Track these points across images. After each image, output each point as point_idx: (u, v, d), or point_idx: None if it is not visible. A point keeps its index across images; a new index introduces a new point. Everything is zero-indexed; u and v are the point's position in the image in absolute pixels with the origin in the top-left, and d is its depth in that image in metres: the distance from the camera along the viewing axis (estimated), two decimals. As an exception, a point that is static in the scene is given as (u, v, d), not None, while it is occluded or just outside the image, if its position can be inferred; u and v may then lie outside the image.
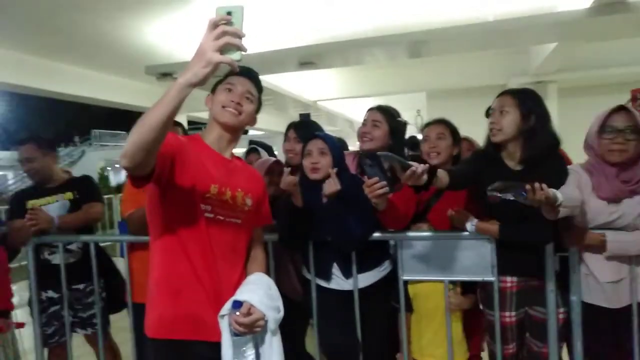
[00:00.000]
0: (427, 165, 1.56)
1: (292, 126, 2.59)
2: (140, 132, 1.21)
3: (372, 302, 2.08)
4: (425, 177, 1.55)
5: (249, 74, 1.65)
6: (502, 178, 1.73)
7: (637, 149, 1.78)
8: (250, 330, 1.43)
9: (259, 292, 1.49)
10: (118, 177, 21.53)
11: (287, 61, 6.22)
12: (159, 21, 5.30)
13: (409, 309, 2.13)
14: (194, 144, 1.58)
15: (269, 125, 12.31)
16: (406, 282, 2.09)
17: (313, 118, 6.11)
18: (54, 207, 2.63)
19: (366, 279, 2.09)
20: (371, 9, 5.29)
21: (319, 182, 2.03)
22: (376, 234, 2.04)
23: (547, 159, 1.85)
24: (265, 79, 7.45)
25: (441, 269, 2.03)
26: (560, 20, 5.08)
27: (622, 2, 4.57)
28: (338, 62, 6.87)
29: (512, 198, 1.57)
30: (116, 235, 2.56)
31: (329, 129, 3.22)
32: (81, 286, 2.65)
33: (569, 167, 1.91)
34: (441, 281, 2.03)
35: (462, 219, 1.96)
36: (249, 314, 1.42)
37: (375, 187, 1.64)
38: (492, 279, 1.95)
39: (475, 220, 1.92)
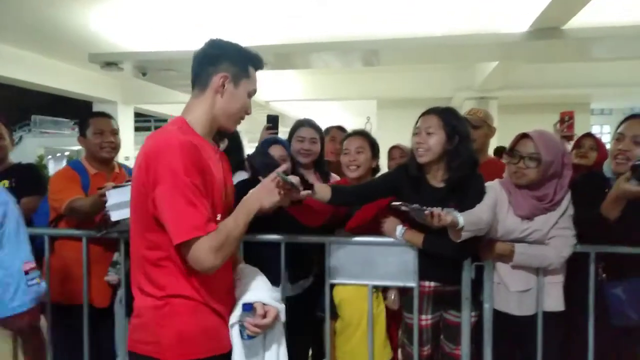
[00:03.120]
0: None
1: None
2: (231, 250, 1.39)
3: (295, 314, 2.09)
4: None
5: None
6: (425, 196, 1.84)
7: (538, 174, 1.91)
8: (268, 327, 1.42)
9: (263, 287, 1.48)
10: (58, 166, 20.55)
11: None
12: (104, 8, 5.13)
13: (334, 315, 2.18)
14: (196, 139, 1.40)
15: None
16: (331, 289, 2.14)
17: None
18: None
19: (294, 289, 2.17)
20: (327, 15, 5.36)
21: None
22: (303, 237, 2.09)
23: (467, 179, 1.95)
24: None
25: (366, 274, 2.09)
26: (502, 41, 5.37)
27: (557, 28, 4.88)
28: (293, 65, 6.91)
29: (412, 215, 1.71)
30: (43, 228, 2.45)
31: (282, 130, 3.23)
32: None
33: (488, 184, 2.02)
34: (365, 285, 2.10)
35: (390, 227, 2.03)
36: (265, 314, 1.40)
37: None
38: (413, 284, 2.04)
39: (404, 228, 2.00)
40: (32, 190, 2.55)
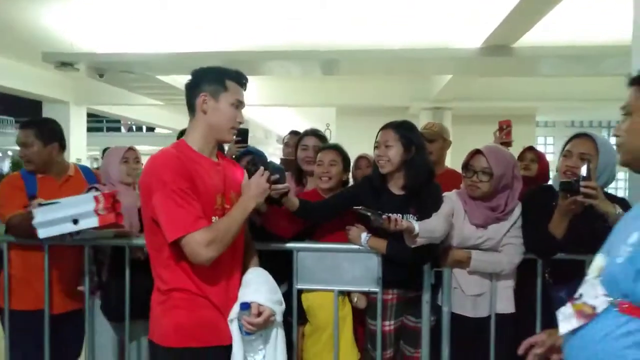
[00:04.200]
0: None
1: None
2: (226, 243, 1.54)
3: None
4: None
5: (245, 84, 1.70)
6: (387, 203, 2.01)
7: (491, 187, 2.07)
8: (263, 327, 1.54)
9: (262, 289, 1.59)
10: (1, 166, 19.46)
11: (200, 64, 6.15)
12: (59, 6, 4.98)
13: (303, 320, 2.25)
14: (187, 157, 1.58)
15: (179, 124, 11.97)
16: (300, 295, 2.22)
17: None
18: None
19: None
20: (288, 23, 5.45)
21: None
22: (274, 244, 2.15)
23: (425, 187, 2.10)
24: (178, 79, 7.29)
25: (332, 279, 2.18)
26: (455, 56, 5.65)
27: (507, 46, 5.20)
28: (253, 71, 6.93)
29: (372, 219, 1.87)
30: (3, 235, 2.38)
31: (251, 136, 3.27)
32: None
33: (445, 194, 2.17)
34: (331, 291, 2.19)
35: (355, 234, 2.13)
36: (259, 313, 1.52)
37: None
38: (376, 290, 2.15)
39: (369, 235, 2.10)
40: None
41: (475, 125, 8.74)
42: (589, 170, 1.80)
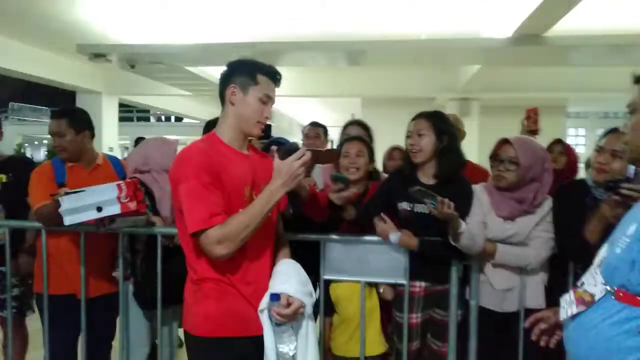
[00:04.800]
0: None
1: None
2: (241, 239, 1.51)
3: None
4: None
5: (279, 81, 1.68)
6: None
7: (518, 177, 2.06)
8: (292, 318, 1.55)
9: (292, 281, 1.60)
10: (37, 154, 20.12)
11: (228, 55, 6.21)
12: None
13: (331, 311, 2.29)
14: (216, 148, 1.61)
15: (208, 115, 12.13)
16: (327, 286, 2.25)
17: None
18: None
19: None
20: (315, 13, 5.44)
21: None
22: (300, 235, 2.18)
23: (455, 180, 2.10)
24: (206, 70, 7.37)
25: (359, 270, 2.20)
26: (484, 46, 5.54)
27: (538, 35, 5.07)
28: (280, 62, 6.95)
29: (424, 205, 1.84)
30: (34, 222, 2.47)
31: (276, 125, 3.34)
32: (3, 269, 2.57)
33: (472, 187, 2.16)
34: (358, 282, 2.21)
35: (386, 230, 2.10)
36: (288, 304, 1.53)
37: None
38: (404, 281, 2.16)
39: (399, 233, 2.08)
40: None
41: (503, 116, 8.54)
42: (637, 173, 1.69)
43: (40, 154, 19.62)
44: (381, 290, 2.27)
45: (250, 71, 1.62)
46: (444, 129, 2.08)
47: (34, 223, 2.39)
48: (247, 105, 1.61)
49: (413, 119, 2.14)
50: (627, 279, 1.06)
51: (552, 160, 3.04)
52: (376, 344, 2.25)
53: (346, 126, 2.76)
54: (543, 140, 3.00)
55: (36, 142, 21.99)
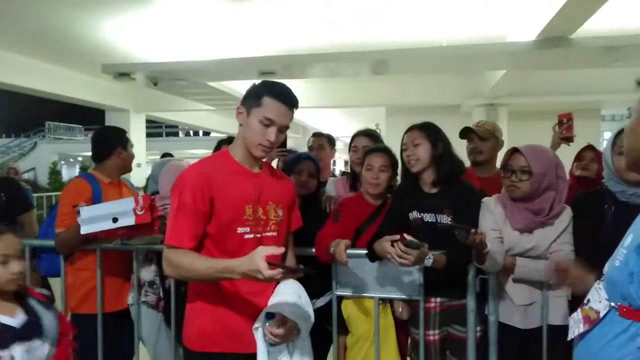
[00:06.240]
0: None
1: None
2: (184, 276, 1.61)
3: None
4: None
5: (290, 102, 1.62)
6: (421, 201, 2.02)
7: (532, 187, 1.95)
8: (285, 339, 1.52)
9: (290, 301, 1.57)
10: (71, 172, 20.82)
11: (250, 69, 6.25)
12: (117, 19, 5.26)
13: (344, 329, 2.21)
14: (222, 164, 1.65)
15: (231, 128, 12.29)
16: (340, 304, 2.18)
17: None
18: None
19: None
20: (335, 26, 5.44)
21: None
22: (313, 250, 2.13)
23: (457, 184, 2.07)
24: (228, 85, 7.46)
25: (372, 286, 2.13)
26: (508, 50, 5.40)
27: (564, 37, 4.90)
28: (301, 74, 6.98)
29: (456, 233, 1.76)
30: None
31: (291, 136, 3.27)
32: None
33: (484, 201, 2.09)
34: (372, 298, 2.14)
35: (422, 257, 1.86)
36: (283, 324, 1.50)
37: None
38: (419, 298, 2.08)
39: (431, 255, 1.88)
40: (24, 205, 2.76)
41: (533, 121, 8.32)
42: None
43: (75, 171, 20.29)
44: (399, 310, 2.18)
45: (257, 93, 1.61)
46: (437, 137, 2.09)
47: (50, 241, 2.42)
48: (248, 127, 1.61)
49: (406, 132, 2.15)
50: (627, 292, 1.02)
51: (583, 168, 2.87)
52: (393, 364, 2.16)
53: (354, 137, 2.68)
54: (577, 145, 2.84)
55: (71, 160, 22.76)
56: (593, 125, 9.79)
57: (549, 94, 8.23)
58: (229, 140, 2.49)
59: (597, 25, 4.64)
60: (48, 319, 1.62)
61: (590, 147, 3.04)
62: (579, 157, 2.93)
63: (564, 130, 2.70)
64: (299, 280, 1.73)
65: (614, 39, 5.09)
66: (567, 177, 2.54)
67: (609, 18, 4.54)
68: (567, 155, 2.86)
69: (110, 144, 2.58)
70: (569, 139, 2.68)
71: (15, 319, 1.57)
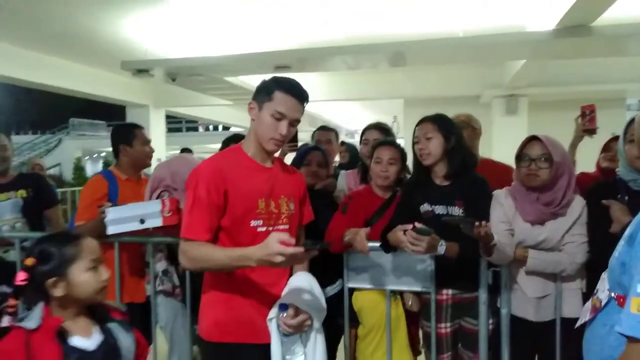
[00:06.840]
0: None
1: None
2: (202, 267, 1.65)
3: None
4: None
5: (301, 96, 1.65)
6: (433, 193, 2.00)
7: (550, 175, 1.93)
8: (299, 330, 1.56)
9: (303, 293, 1.62)
10: (95, 167, 21.27)
11: (266, 63, 6.27)
12: (135, 16, 5.33)
13: (355, 321, 2.23)
14: (235, 159, 1.68)
15: (249, 123, 12.35)
16: (351, 296, 2.20)
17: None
18: (5, 205, 2.62)
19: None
20: (351, 18, 5.41)
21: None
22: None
23: (469, 177, 2.06)
24: (245, 80, 7.50)
25: (383, 278, 2.14)
26: (528, 39, 5.29)
27: (585, 25, 4.78)
28: (317, 68, 6.98)
29: (461, 227, 1.77)
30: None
31: (309, 130, 3.25)
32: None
33: (494, 193, 2.07)
34: (383, 290, 2.15)
35: (434, 244, 1.86)
36: (296, 315, 1.55)
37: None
38: (430, 290, 2.08)
39: (443, 242, 1.89)
40: (51, 200, 2.83)
41: (554, 111, 8.14)
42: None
43: (99, 166, 20.73)
44: (409, 303, 2.19)
45: (268, 87, 1.64)
46: (450, 129, 2.07)
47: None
48: (261, 122, 1.64)
49: (417, 124, 2.13)
50: (620, 282, 1.04)
51: (610, 159, 2.80)
52: (403, 355, 2.18)
53: (365, 130, 2.69)
54: (601, 137, 2.77)
55: (95, 155, 23.23)
56: (618, 114, 9.51)
57: (570, 84, 8.02)
58: (235, 138, 2.55)
59: (619, 12, 4.51)
60: (127, 342, 1.41)
61: (617, 138, 2.97)
62: (605, 148, 2.87)
63: (587, 122, 2.66)
64: (310, 270, 1.78)
65: (636, 27, 4.94)
66: (595, 169, 2.54)
67: (631, 5, 4.40)
68: (588, 146, 2.81)
69: (114, 142, 2.66)
70: (591, 131, 2.64)
71: (90, 340, 1.36)
